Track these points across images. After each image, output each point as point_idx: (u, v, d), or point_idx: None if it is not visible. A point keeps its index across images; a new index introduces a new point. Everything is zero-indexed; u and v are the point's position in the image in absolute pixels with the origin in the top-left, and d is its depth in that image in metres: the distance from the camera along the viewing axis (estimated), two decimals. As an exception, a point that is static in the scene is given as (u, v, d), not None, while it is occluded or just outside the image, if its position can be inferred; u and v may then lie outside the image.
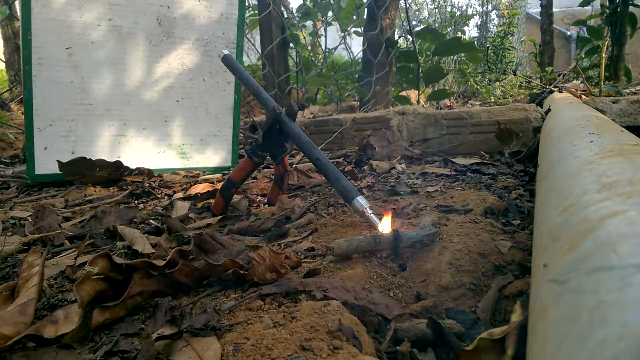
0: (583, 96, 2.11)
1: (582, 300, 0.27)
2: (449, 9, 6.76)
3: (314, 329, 0.51)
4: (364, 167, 1.60)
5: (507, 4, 7.66)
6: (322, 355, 0.47)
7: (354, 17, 3.59)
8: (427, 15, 7.03)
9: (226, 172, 1.89)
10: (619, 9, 3.05)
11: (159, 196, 1.47)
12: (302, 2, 3.85)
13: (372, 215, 0.83)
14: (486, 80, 5.05)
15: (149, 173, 1.70)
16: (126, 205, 1.35)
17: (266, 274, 0.67)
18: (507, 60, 5.02)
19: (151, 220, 1.12)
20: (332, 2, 3.55)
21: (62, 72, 1.62)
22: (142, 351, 0.52)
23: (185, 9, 1.81)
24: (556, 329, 0.28)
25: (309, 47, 4.69)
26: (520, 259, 0.70)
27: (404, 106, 2.17)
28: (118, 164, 1.61)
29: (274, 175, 1.20)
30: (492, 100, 4.41)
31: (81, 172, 1.58)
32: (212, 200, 1.25)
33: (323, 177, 1.23)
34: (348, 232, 0.88)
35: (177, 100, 1.84)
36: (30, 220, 1.15)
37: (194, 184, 1.59)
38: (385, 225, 0.80)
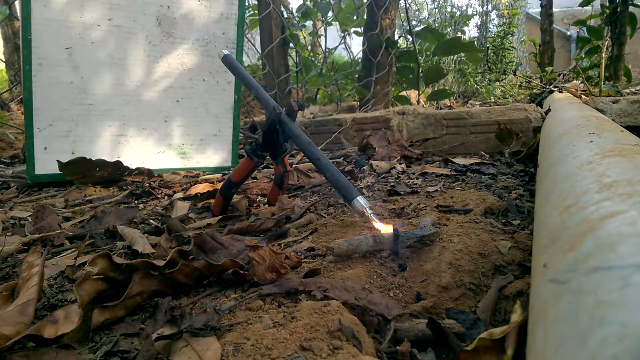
0: (583, 96, 2.11)
1: (581, 301, 0.27)
2: (449, 9, 6.76)
3: (314, 329, 0.51)
4: (364, 167, 1.60)
5: (507, 4, 7.65)
6: (322, 355, 0.47)
7: (354, 17, 3.59)
8: (427, 15, 7.02)
9: (226, 172, 1.89)
10: (619, 9, 3.05)
11: (159, 196, 1.47)
12: (302, 2, 3.85)
13: (372, 215, 0.83)
14: (486, 80, 5.04)
15: (149, 173, 1.70)
16: (126, 205, 1.35)
17: (266, 274, 0.67)
18: (507, 60, 5.00)
19: (151, 220, 1.12)
20: (332, 2, 3.55)
21: (62, 72, 1.62)
22: (142, 351, 0.52)
23: (185, 8, 1.81)
24: (556, 329, 0.28)
25: (309, 47, 4.69)
26: (520, 259, 0.70)
27: (404, 106, 2.17)
28: (118, 164, 1.61)
29: (274, 175, 1.20)
30: (492, 100, 4.41)
31: (81, 172, 1.58)
32: (212, 200, 1.25)
33: (323, 177, 1.22)
34: (348, 232, 0.88)
35: (177, 100, 1.84)
36: (30, 220, 1.15)
37: (194, 184, 1.58)
38: (385, 226, 0.80)
